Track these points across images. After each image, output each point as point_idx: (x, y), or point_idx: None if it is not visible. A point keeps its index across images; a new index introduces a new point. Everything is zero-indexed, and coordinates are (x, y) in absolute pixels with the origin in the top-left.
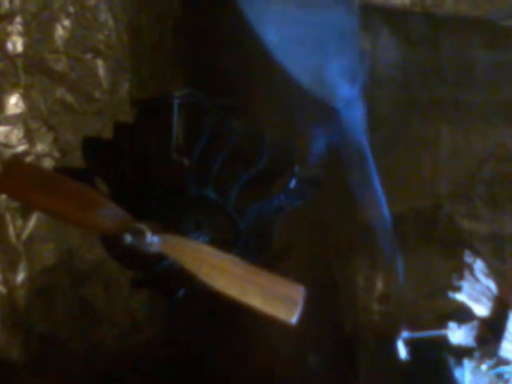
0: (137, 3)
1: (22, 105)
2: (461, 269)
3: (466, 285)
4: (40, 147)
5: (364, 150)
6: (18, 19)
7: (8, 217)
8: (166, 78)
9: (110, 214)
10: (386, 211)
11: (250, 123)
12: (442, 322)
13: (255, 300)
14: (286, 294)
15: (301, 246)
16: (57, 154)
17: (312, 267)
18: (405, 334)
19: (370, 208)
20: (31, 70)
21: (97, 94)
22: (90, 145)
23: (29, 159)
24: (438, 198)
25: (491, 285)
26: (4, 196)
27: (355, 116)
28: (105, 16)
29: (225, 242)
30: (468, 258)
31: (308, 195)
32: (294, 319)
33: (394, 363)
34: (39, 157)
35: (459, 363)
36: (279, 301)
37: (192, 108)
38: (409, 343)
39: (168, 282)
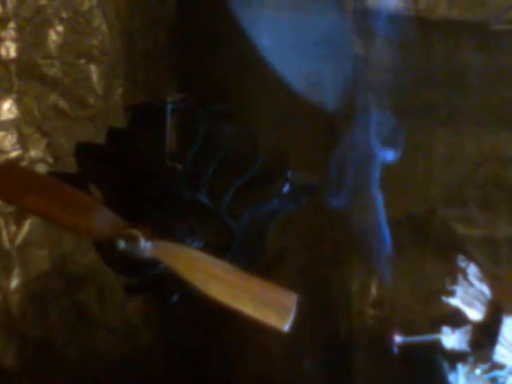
0: (130, 8)
1: (15, 110)
2: (454, 273)
3: (459, 289)
4: (33, 153)
5: (360, 154)
6: (12, 24)
7: (1, 222)
8: (159, 83)
9: (103, 219)
10: (382, 215)
11: (243, 128)
12: (435, 327)
13: (247, 307)
14: (279, 301)
15: (295, 252)
16: (50, 160)
17: (306, 272)
18: (399, 338)
19: (365, 212)
20: (24, 76)
21: (90, 100)
22: (84, 150)
23: (22, 165)
24: (432, 203)
25: (485, 289)
26: None
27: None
28: (98, 21)
29: (219, 247)
30: (462, 262)
31: (302, 200)
32: (286, 326)
33: (388, 367)
34: (33, 162)
35: (453, 368)
36: (271, 308)
37: (185, 113)
38: (403, 348)
39: (162, 287)
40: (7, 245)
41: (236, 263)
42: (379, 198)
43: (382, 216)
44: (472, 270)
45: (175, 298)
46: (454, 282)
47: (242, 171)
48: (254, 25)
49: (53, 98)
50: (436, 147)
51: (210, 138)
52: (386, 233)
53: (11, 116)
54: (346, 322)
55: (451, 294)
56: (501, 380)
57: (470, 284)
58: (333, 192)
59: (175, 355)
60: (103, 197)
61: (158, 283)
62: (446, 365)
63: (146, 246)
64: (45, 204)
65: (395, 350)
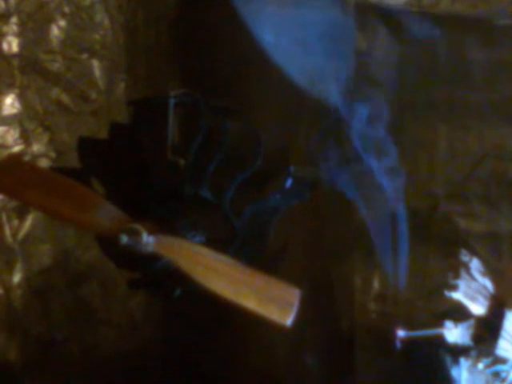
0: (132, 4)
1: (17, 105)
2: (457, 268)
3: (462, 283)
4: (36, 147)
5: (359, 150)
6: (14, 19)
7: (4, 217)
8: (161, 78)
9: (106, 213)
10: (386, 210)
11: (246, 124)
12: (438, 321)
13: (250, 302)
14: (281, 296)
15: (297, 247)
16: (53, 154)
17: (309, 267)
18: (402, 332)
19: (366, 207)
20: (27, 71)
21: (93, 95)
22: (86, 145)
23: (25, 159)
24: (435, 198)
25: (487, 283)
26: (0, 196)
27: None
28: (100, 16)
29: (221, 242)
30: (464, 256)
31: (305, 195)
32: (288, 322)
33: (391, 362)
34: (35, 157)
35: (456, 362)
36: (274, 303)
37: (188, 108)
38: (406, 342)
39: (164, 282)
40: (10, 239)
41: (238, 258)
42: (384, 193)
43: (386, 211)
44: (474, 264)
45: (178, 292)
46: (457, 276)
47: (245, 167)
48: (256, 20)
49: (55, 92)
50: (439, 143)
51: (213, 134)
52: (389, 228)
53: (13, 111)
54: (349, 317)
55: (454, 288)
56: (503, 374)
57: (473, 278)
58: (336, 186)
59: (177, 351)
60: (105, 191)
61: (161, 278)
62: (448, 359)
63: (148, 241)
64: (47, 198)
65: (398, 344)
